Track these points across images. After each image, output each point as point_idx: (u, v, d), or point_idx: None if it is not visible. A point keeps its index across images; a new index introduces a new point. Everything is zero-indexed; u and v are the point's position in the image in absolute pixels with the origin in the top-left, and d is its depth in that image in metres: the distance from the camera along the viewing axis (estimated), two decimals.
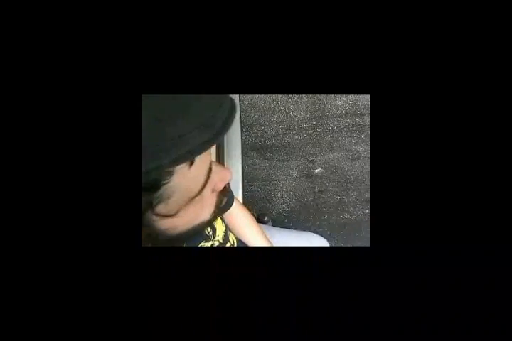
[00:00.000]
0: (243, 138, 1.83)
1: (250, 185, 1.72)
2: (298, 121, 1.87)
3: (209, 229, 0.56)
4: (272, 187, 1.73)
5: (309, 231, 1.02)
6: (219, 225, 0.59)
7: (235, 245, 0.64)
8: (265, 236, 0.79)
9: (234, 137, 1.29)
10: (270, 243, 0.79)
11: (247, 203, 1.65)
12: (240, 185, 1.20)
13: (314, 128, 1.88)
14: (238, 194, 1.19)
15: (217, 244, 0.58)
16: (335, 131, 1.87)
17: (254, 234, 0.76)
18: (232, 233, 0.69)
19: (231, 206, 0.73)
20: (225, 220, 0.72)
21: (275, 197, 1.71)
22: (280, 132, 1.88)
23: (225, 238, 0.60)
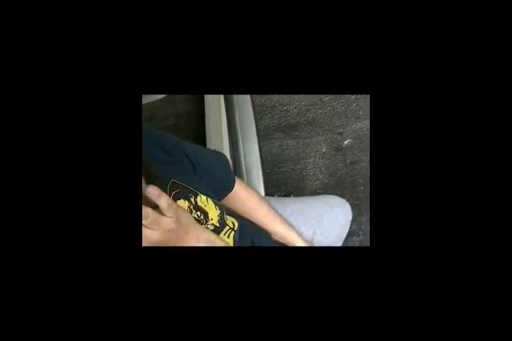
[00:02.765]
0: (267, 120, 1.83)
1: (280, 167, 1.72)
2: (319, 95, 1.82)
3: (198, 213, 0.56)
4: (303, 166, 1.71)
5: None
6: (211, 209, 0.59)
7: (236, 228, 0.63)
8: (277, 213, 0.77)
9: (247, 122, 1.30)
10: (283, 219, 0.77)
11: (280, 185, 1.65)
12: (259, 167, 1.21)
13: (337, 100, 1.83)
14: (259, 176, 1.20)
15: (211, 227, 0.57)
16: (359, 99, 1.81)
17: (265, 215, 0.75)
18: (237, 216, 0.68)
19: (229, 190, 0.72)
20: (229, 204, 0.71)
21: (307, 175, 1.69)
22: (303, 109, 1.84)
23: (221, 221, 0.60)
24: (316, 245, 0.84)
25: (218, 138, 1.21)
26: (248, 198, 0.75)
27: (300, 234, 0.77)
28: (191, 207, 0.56)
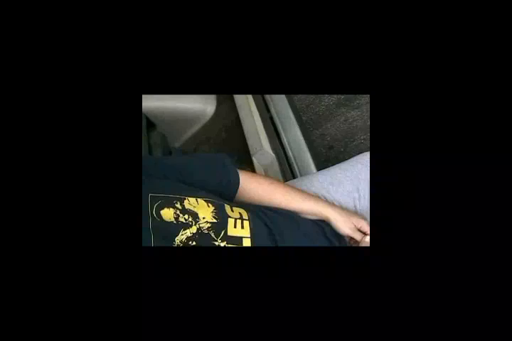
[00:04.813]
0: (326, 100, 1.75)
1: (353, 141, 1.62)
2: None
3: (186, 216, 0.57)
4: None
5: None
6: (201, 208, 0.59)
7: (246, 217, 0.62)
8: (296, 192, 0.74)
9: (284, 111, 1.26)
10: (306, 196, 0.74)
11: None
12: (307, 153, 1.16)
13: None
14: (309, 163, 1.15)
15: (206, 226, 0.57)
16: None
17: (282, 197, 0.73)
18: (250, 206, 0.68)
19: (236, 187, 0.71)
20: (243, 198, 0.72)
21: None
22: None
23: (219, 216, 0.60)
24: (360, 211, 0.79)
25: (256, 137, 1.20)
26: (258, 187, 0.74)
27: (334, 204, 0.75)
28: (177, 213, 0.57)
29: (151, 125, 1.50)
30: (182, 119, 1.59)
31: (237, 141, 1.44)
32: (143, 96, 1.41)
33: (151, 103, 1.47)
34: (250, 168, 1.17)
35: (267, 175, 1.16)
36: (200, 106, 1.56)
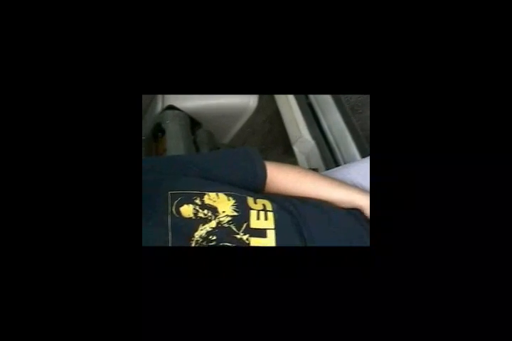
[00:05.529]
0: None
1: None
2: None
3: (205, 211, 0.57)
4: None
5: None
6: (221, 202, 0.59)
7: (270, 208, 0.61)
8: (327, 181, 0.72)
9: (323, 96, 1.23)
10: (338, 184, 0.72)
11: None
12: (348, 135, 1.12)
13: None
14: (351, 145, 1.10)
15: (226, 219, 0.57)
16: None
17: (310, 187, 0.71)
18: (276, 197, 0.67)
19: (262, 180, 0.69)
20: (270, 190, 0.71)
21: None
22: None
23: (240, 208, 0.59)
24: None
25: (294, 126, 1.17)
26: (285, 177, 0.72)
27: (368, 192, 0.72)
28: (197, 208, 0.57)
29: (196, 124, 1.53)
30: (227, 115, 1.60)
31: (281, 131, 1.42)
32: (184, 96, 1.47)
33: (194, 102, 1.50)
34: (291, 157, 1.15)
35: (308, 163, 1.13)
36: (243, 100, 1.56)
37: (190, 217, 0.56)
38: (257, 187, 0.70)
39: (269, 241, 0.57)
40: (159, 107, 1.50)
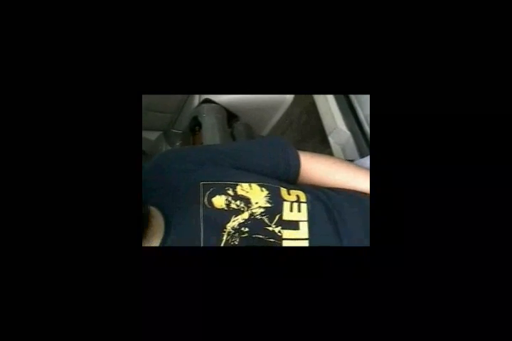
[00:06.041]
0: None
1: None
2: None
3: (238, 202, 0.56)
4: None
5: None
6: (254, 193, 0.57)
7: (303, 200, 0.60)
8: (361, 171, 0.70)
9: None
10: (369, 172, 0.69)
11: None
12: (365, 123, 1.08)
13: None
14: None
15: (259, 211, 0.56)
16: None
17: (344, 177, 0.69)
18: (310, 188, 0.65)
19: (296, 170, 0.67)
20: (304, 180, 0.69)
21: None
22: None
23: (274, 200, 0.57)
24: None
25: (330, 116, 1.15)
26: (319, 167, 0.71)
27: None
28: (229, 199, 0.56)
29: (233, 117, 1.53)
30: (264, 108, 1.59)
31: (317, 122, 1.40)
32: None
33: (230, 96, 1.50)
34: (327, 148, 1.13)
35: (344, 154, 1.11)
36: None
37: (223, 208, 0.55)
38: (290, 177, 0.68)
39: (302, 233, 0.56)
40: (196, 101, 1.52)
